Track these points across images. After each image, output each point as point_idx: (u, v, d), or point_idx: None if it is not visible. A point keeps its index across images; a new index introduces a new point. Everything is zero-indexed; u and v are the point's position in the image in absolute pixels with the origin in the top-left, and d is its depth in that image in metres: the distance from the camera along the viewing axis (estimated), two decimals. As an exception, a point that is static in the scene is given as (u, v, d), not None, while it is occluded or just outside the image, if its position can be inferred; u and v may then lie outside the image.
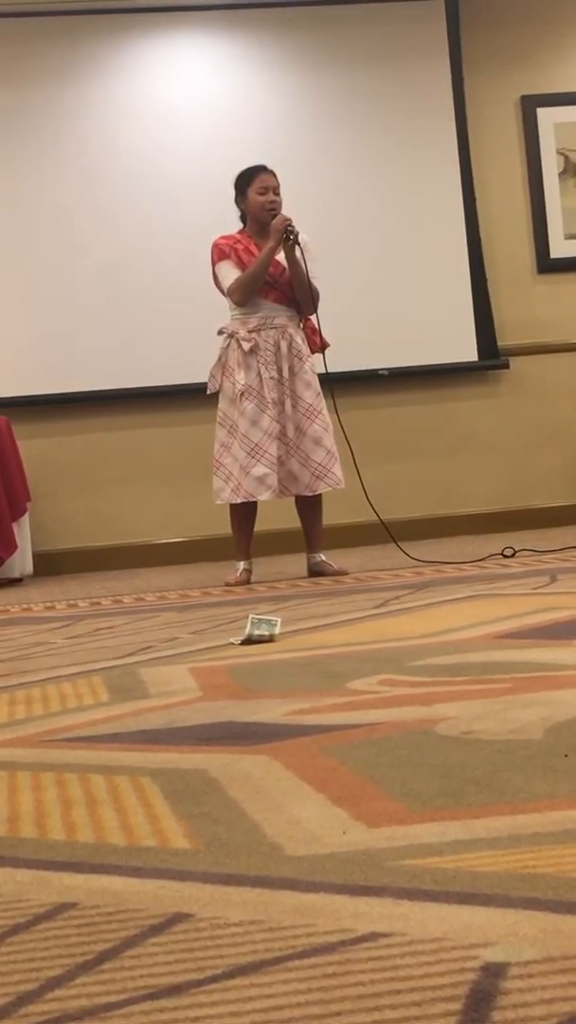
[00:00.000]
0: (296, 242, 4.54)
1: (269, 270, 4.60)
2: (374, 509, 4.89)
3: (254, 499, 4.61)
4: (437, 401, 6.65)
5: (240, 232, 4.74)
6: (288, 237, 4.53)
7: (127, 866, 1.19)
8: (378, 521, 5.01)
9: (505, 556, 4.73)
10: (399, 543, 4.99)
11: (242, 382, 4.58)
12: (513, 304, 6.74)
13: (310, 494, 4.68)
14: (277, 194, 4.66)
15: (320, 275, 4.68)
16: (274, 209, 4.63)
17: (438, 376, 6.60)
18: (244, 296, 4.61)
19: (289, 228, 4.53)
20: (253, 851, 1.20)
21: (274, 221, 4.57)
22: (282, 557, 5.75)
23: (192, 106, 6.43)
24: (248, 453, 4.55)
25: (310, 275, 4.59)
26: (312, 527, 4.79)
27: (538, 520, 6.62)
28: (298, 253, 4.55)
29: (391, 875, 1.09)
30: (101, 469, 6.39)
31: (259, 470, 4.54)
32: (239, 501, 4.63)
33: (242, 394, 4.57)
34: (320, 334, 4.74)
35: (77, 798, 1.47)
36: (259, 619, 2.86)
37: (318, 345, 4.73)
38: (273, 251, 4.56)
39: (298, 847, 1.20)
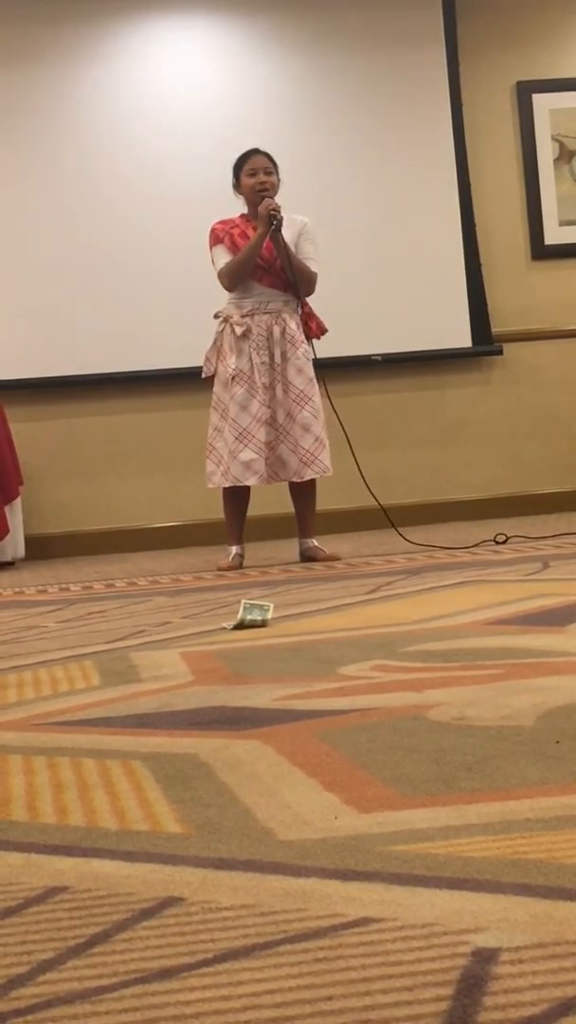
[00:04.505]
0: (279, 228, 4.52)
1: (264, 255, 4.59)
2: (373, 495, 4.88)
3: (241, 484, 4.61)
4: (430, 387, 6.65)
5: (240, 216, 4.74)
6: (271, 222, 4.51)
7: (118, 850, 1.18)
8: (372, 506, 5.01)
9: (497, 542, 4.73)
10: (392, 529, 5.00)
11: (233, 366, 4.58)
12: (507, 291, 6.73)
13: (298, 480, 4.68)
14: (268, 174, 4.64)
15: (318, 258, 4.68)
16: (264, 190, 4.61)
17: (432, 362, 6.60)
18: (231, 282, 4.60)
19: (273, 213, 4.51)
20: (244, 835, 1.20)
21: (260, 207, 4.56)
22: (274, 542, 5.75)
23: (189, 89, 6.41)
24: (236, 438, 4.55)
25: (308, 257, 4.60)
26: (304, 513, 4.79)
27: (530, 506, 6.63)
28: (281, 240, 4.54)
29: (382, 860, 1.09)
30: (94, 453, 6.38)
31: (246, 455, 4.54)
32: (228, 485, 4.64)
33: (233, 378, 4.57)
34: (316, 319, 4.73)
35: (68, 782, 1.47)
36: (251, 604, 2.86)
37: (314, 331, 4.72)
38: (263, 238, 4.54)
39: (289, 832, 1.20)
